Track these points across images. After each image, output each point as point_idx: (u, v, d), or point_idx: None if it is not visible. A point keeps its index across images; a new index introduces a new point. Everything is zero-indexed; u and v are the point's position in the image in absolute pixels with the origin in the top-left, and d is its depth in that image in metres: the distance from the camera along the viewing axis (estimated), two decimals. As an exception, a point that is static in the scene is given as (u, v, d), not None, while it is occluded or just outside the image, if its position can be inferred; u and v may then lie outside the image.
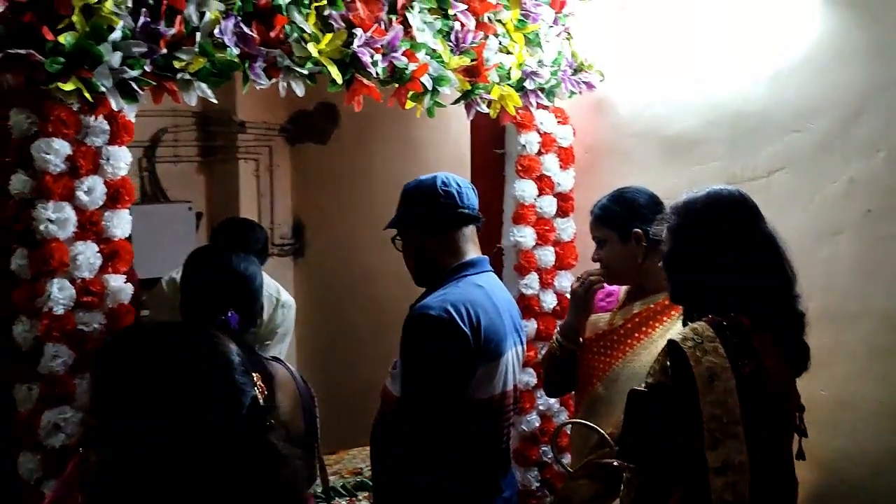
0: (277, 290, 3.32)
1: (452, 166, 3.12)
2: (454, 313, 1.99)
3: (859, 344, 2.27)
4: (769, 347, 1.82)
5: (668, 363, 1.77)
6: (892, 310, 2.20)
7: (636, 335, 2.28)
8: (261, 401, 1.21)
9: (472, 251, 2.18)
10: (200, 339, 1.24)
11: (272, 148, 4.60)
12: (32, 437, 1.90)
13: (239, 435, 1.17)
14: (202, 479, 1.16)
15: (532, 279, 2.76)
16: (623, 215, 2.26)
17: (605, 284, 2.40)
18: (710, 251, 1.84)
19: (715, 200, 1.88)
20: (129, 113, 1.97)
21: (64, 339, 1.89)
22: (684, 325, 1.89)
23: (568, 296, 2.76)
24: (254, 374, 1.24)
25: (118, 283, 1.99)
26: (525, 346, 2.31)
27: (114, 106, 1.89)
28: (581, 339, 2.42)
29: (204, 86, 2.03)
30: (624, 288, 2.42)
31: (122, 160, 1.98)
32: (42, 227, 1.86)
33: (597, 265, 2.39)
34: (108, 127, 1.94)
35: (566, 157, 2.83)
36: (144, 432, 1.14)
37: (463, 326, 1.99)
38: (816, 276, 2.34)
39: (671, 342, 1.75)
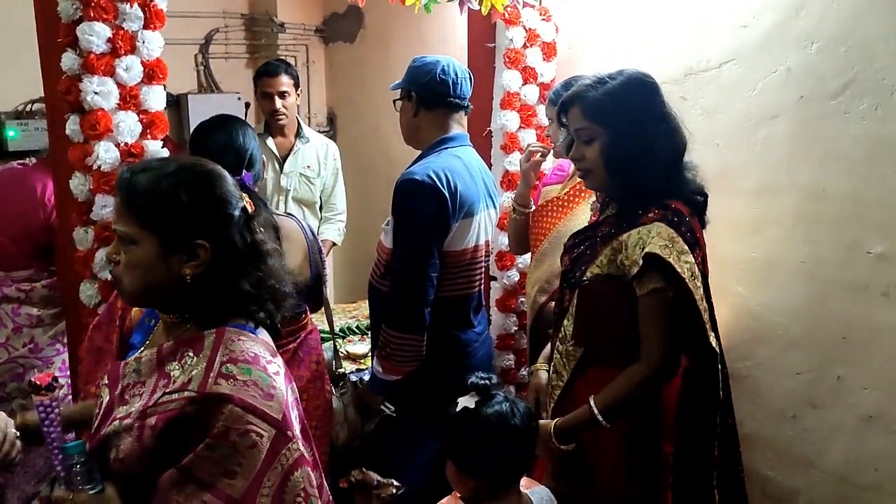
0: (325, 142, 3.69)
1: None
2: (435, 178, 2.05)
3: (787, 212, 2.27)
4: (699, 228, 1.79)
5: (651, 272, 1.67)
6: (816, 183, 2.19)
7: (576, 200, 2.31)
8: (249, 210, 1.34)
9: (456, 128, 2.22)
10: (199, 160, 1.37)
11: (308, 46, 4.55)
12: (89, 270, 2.02)
13: (233, 229, 1.31)
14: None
15: (515, 157, 2.75)
16: None
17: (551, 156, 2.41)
18: (650, 131, 1.71)
19: (630, 83, 1.75)
20: (161, 2, 1.99)
21: (111, 192, 1.96)
22: (621, 213, 1.79)
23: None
24: (243, 194, 1.36)
25: (156, 147, 2.04)
26: (498, 210, 2.36)
27: (145, -6, 1.93)
28: (532, 206, 2.46)
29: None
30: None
31: (155, 43, 1.99)
32: (89, 98, 1.91)
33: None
34: (142, 14, 1.95)
35: (549, 50, 2.79)
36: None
37: (442, 189, 2.04)
38: (755, 154, 2.35)
39: (654, 256, 1.64)
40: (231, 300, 1.30)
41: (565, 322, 1.88)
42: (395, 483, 1.78)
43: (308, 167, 3.54)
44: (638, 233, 1.70)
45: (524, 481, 1.75)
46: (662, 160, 1.73)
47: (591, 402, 1.73)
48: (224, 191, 1.31)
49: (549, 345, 2.10)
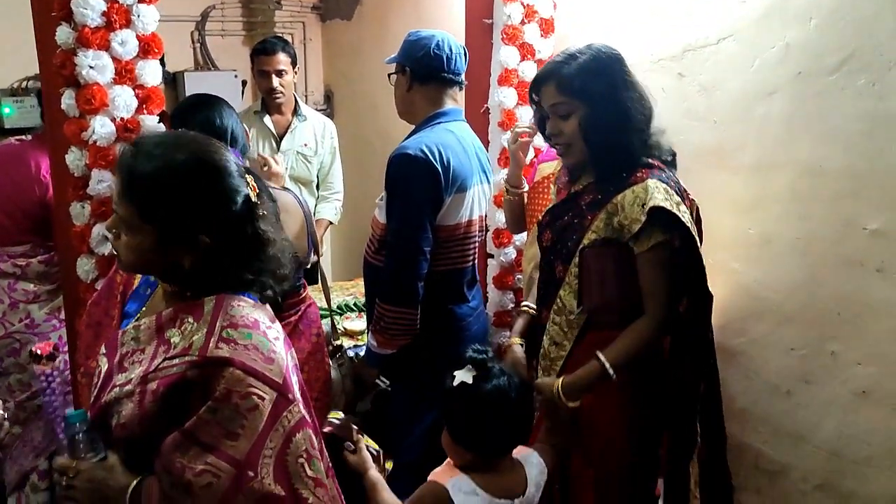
0: (323, 120, 3.69)
1: (451, 36, 3.11)
2: (427, 152, 2.05)
3: (783, 189, 2.27)
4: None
5: (653, 226, 1.73)
6: (813, 159, 2.19)
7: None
8: (253, 198, 1.31)
9: (450, 104, 2.22)
10: (205, 147, 1.32)
11: (305, 24, 4.55)
12: (86, 245, 2.03)
13: (235, 223, 1.29)
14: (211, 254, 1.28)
15: (512, 134, 2.76)
16: None
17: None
18: (623, 100, 1.80)
19: (600, 56, 1.81)
20: (156, -25, 1.99)
21: (107, 166, 1.98)
22: (603, 179, 1.84)
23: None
24: (248, 177, 1.33)
25: (152, 122, 2.05)
26: (492, 185, 2.37)
27: (140, -33, 1.92)
28: (525, 186, 2.47)
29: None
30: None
31: (150, 17, 2.00)
32: (84, 72, 1.91)
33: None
34: (137, -13, 1.96)
35: (546, 27, 2.77)
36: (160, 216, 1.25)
37: (435, 163, 2.05)
38: (752, 131, 2.34)
39: (659, 209, 1.71)
40: (231, 283, 1.31)
41: (562, 293, 1.91)
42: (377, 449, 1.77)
43: (305, 145, 3.53)
44: (633, 192, 1.76)
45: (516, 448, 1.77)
46: (637, 125, 1.80)
47: (601, 358, 1.78)
48: (227, 185, 1.28)
49: (520, 319, 2.17)
